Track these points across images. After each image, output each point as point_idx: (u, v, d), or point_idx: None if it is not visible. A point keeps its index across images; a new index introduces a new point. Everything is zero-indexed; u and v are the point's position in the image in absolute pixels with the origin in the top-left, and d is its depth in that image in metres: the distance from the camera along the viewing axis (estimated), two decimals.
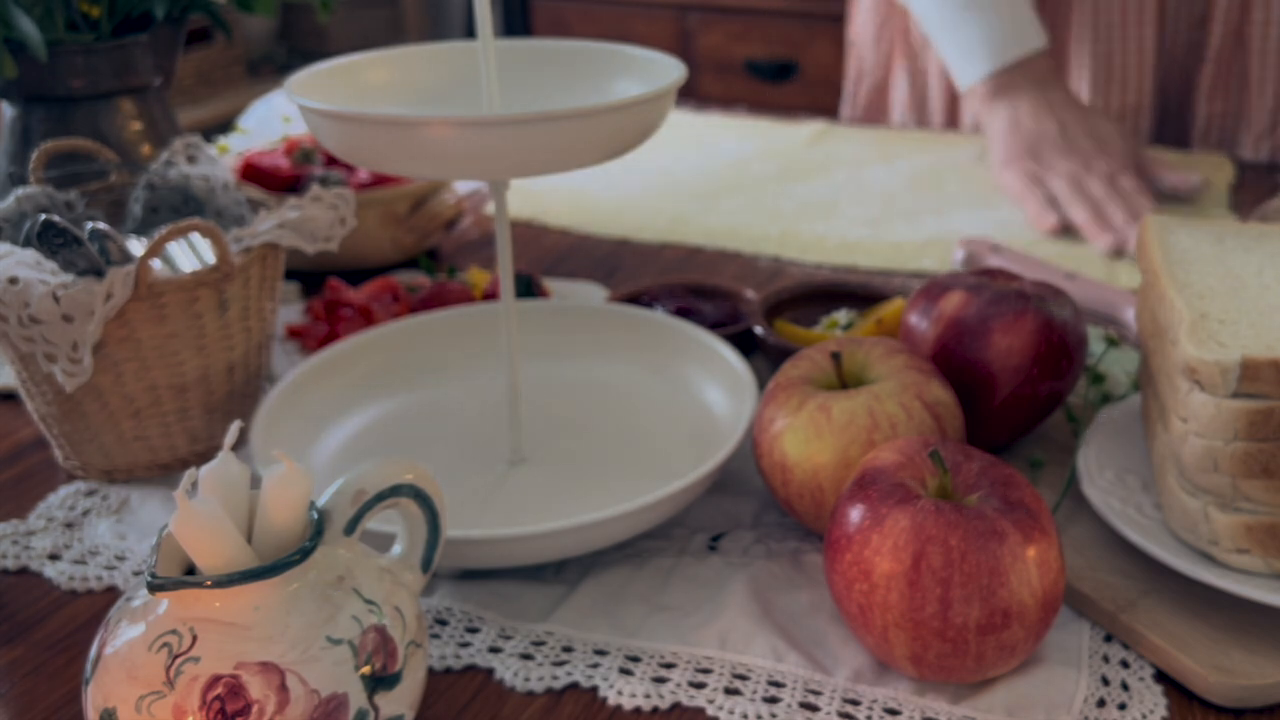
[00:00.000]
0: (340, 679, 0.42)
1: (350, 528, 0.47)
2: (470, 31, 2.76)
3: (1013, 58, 1.09)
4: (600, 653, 0.54)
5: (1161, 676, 0.52)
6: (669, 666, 0.53)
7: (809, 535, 0.61)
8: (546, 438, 0.68)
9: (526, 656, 0.54)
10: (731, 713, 0.50)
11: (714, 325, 0.77)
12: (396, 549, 0.50)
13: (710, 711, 0.50)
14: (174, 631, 0.42)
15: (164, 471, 0.68)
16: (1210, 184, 1.07)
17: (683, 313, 0.78)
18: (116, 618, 0.44)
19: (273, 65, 2.61)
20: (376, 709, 0.43)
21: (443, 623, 0.56)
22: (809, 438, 0.56)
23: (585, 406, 0.72)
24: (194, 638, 0.41)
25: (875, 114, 1.40)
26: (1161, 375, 0.56)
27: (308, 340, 0.82)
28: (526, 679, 0.52)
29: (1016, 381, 0.62)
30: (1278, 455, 0.50)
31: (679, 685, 0.52)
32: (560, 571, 0.59)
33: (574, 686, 0.52)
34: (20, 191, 0.70)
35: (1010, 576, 0.47)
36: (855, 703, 0.50)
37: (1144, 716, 0.49)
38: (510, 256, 0.63)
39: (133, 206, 0.75)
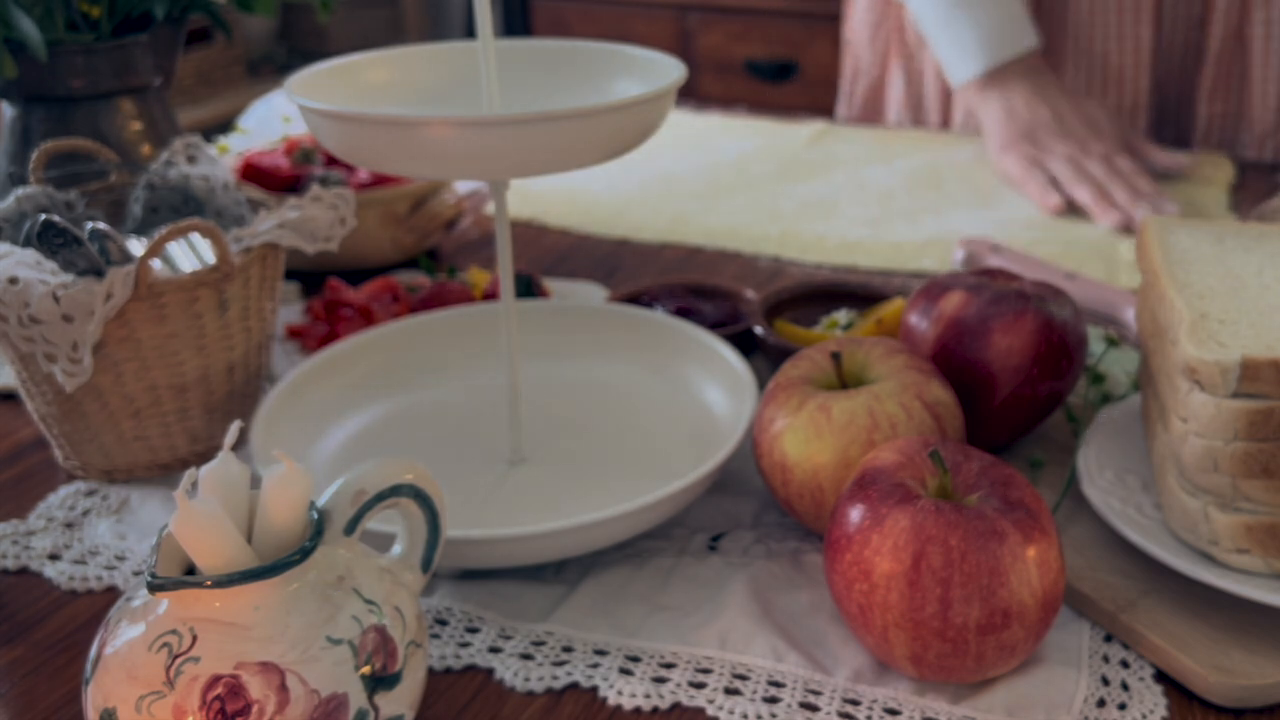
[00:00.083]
0: (340, 679, 0.42)
1: (350, 528, 0.47)
2: (470, 31, 2.76)
3: (1006, 56, 1.11)
4: (600, 653, 0.54)
5: (1161, 676, 0.52)
6: (669, 666, 0.53)
7: (809, 535, 0.61)
8: (546, 438, 0.68)
9: (526, 656, 0.54)
10: (731, 713, 0.50)
11: (714, 325, 0.77)
12: (396, 549, 0.50)
13: (710, 711, 0.50)
14: (174, 631, 0.42)
15: (164, 471, 0.68)
16: (1198, 164, 1.10)
17: (683, 313, 0.78)
18: (116, 618, 0.44)
19: (273, 65, 2.61)
20: (376, 709, 0.43)
21: (443, 623, 0.56)
22: (809, 438, 0.56)
23: (585, 406, 0.72)
24: (194, 638, 0.41)
25: (871, 113, 1.40)
26: (1161, 375, 0.56)
27: (308, 340, 0.82)
28: (526, 679, 0.52)
29: (1016, 381, 0.62)
30: (1278, 455, 0.50)
31: (679, 685, 0.52)
32: (560, 571, 0.59)
33: (574, 686, 0.52)
34: (20, 191, 0.70)
35: (1010, 576, 0.47)
36: (855, 703, 0.50)
37: (1144, 716, 0.49)
38: (510, 256, 0.63)
39: (133, 206, 0.75)
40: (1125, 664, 0.52)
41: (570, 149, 0.55)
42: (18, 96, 0.79)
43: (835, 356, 0.60)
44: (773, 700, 0.51)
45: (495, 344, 0.74)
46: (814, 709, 0.50)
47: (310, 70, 0.63)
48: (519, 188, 1.14)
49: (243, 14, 1.38)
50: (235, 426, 0.44)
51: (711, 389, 0.70)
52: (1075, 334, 0.63)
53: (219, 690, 0.41)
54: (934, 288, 0.65)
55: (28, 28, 0.71)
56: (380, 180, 0.95)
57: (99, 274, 0.61)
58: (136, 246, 0.68)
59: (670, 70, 0.62)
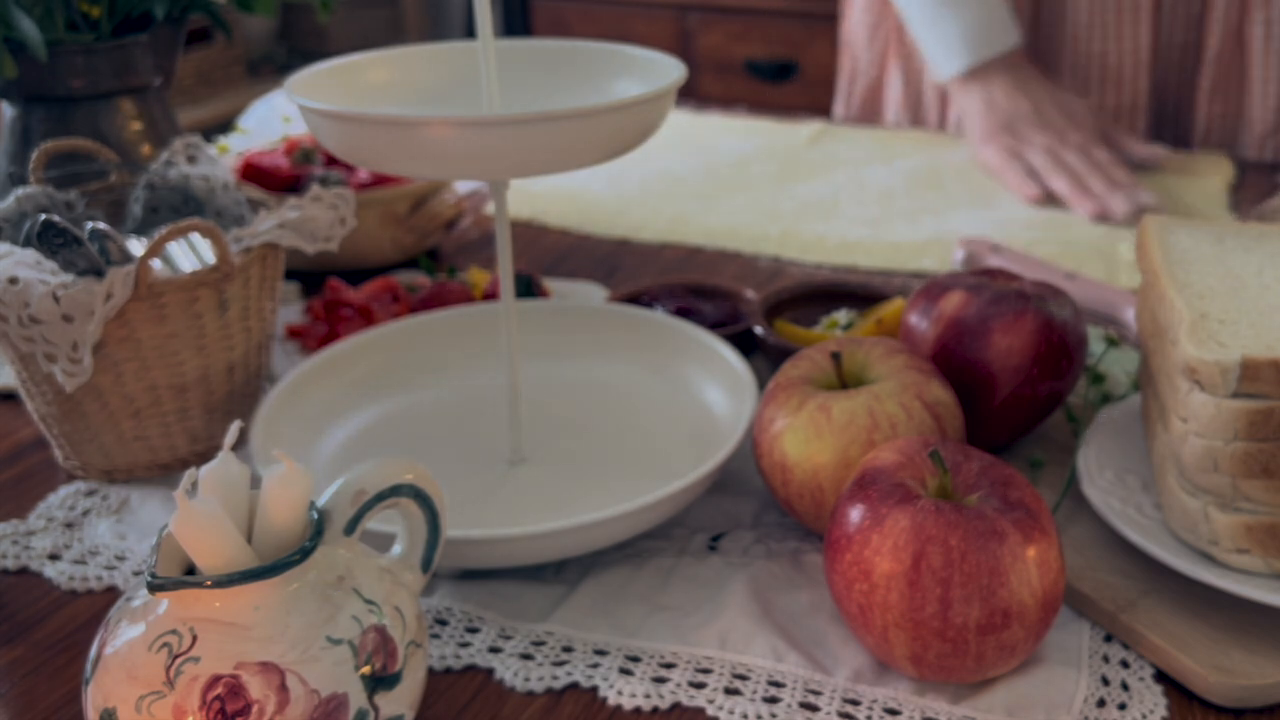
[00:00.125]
0: (340, 679, 0.42)
1: (350, 528, 0.47)
2: (470, 31, 2.76)
3: (988, 54, 1.14)
4: (600, 653, 0.54)
5: (1161, 676, 0.52)
6: (669, 666, 0.53)
7: (809, 535, 0.61)
8: (546, 438, 0.68)
9: (526, 656, 0.54)
10: (731, 713, 0.50)
11: (714, 325, 0.77)
12: (396, 549, 0.50)
13: (710, 711, 0.50)
14: (174, 631, 0.42)
15: (164, 471, 0.68)
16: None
17: (683, 313, 0.78)
18: (116, 618, 0.44)
19: (273, 65, 2.61)
20: (376, 709, 0.43)
21: (443, 623, 0.56)
22: (809, 438, 0.56)
23: (585, 406, 0.72)
24: (194, 638, 0.41)
25: (869, 113, 1.40)
26: (1161, 375, 0.56)
27: (308, 340, 0.82)
28: (526, 679, 0.52)
29: (1016, 381, 0.62)
30: (1278, 455, 0.50)
31: (679, 685, 0.52)
32: (560, 571, 0.59)
33: (574, 686, 0.52)
34: (20, 191, 0.70)
35: (1010, 576, 0.47)
36: (855, 703, 0.50)
37: (1144, 716, 0.49)
38: (510, 256, 0.63)
39: (133, 206, 0.75)
40: (1125, 664, 0.52)
41: (570, 149, 0.55)
42: (18, 96, 0.79)
43: (835, 356, 0.60)
44: (773, 700, 0.51)
45: (495, 344, 0.74)
46: (814, 709, 0.50)
47: (310, 70, 0.63)
48: (519, 188, 1.14)
49: (243, 14, 1.38)
50: (235, 426, 0.44)
51: (711, 389, 0.70)
52: (1075, 334, 0.63)
53: (219, 690, 0.41)
54: (934, 288, 0.65)
55: (28, 28, 0.71)
56: (380, 180, 0.95)
57: (99, 274, 0.61)
58: (136, 246, 0.68)
59: (670, 70, 0.62)
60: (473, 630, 0.55)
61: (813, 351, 0.61)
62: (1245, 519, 0.51)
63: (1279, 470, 0.50)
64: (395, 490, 0.47)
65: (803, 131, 1.29)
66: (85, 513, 0.65)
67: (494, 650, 0.54)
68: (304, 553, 0.43)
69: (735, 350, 0.69)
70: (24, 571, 0.61)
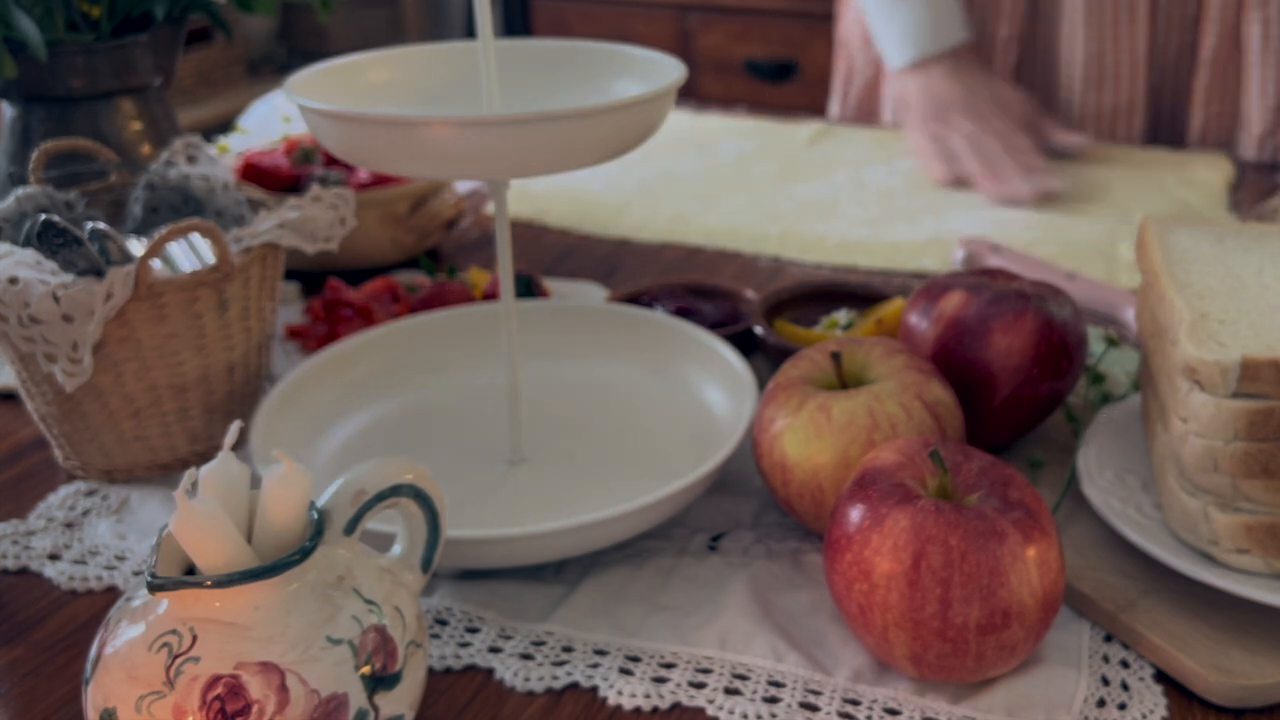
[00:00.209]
0: (340, 679, 0.42)
1: (350, 528, 0.47)
2: (470, 31, 2.76)
3: (934, 48, 1.17)
4: (600, 653, 0.54)
5: (1161, 676, 0.52)
6: (669, 666, 0.53)
7: (809, 535, 0.61)
8: (546, 438, 0.68)
9: (526, 656, 0.54)
10: (731, 713, 0.50)
11: (714, 325, 0.77)
12: (396, 549, 0.50)
13: (710, 711, 0.50)
14: (174, 631, 0.42)
15: (164, 471, 0.68)
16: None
17: (683, 313, 0.78)
18: (116, 618, 0.44)
19: (273, 65, 2.61)
20: (376, 709, 0.43)
21: (443, 623, 0.56)
22: (809, 438, 0.56)
23: (585, 406, 0.72)
24: (194, 638, 0.41)
25: (866, 113, 1.40)
26: (1161, 375, 0.56)
27: (308, 340, 0.82)
28: (526, 679, 0.52)
29: (1016, 381, 0.62)
30: (1278, 455, 0.50)
31: (679, 685, 0.52)
32: (560, 571, 0.59)
33: (574, 686, 0.52)
34: (20, 191, 0.70)
35: (1010, 576, 0.47)
36: (855, 703, 0.50)
37: (1144, 716, 0.49)
38: (510, 256, 0.63)
39: (133, 206, 0.75)
40: (1125, 664, 0.52)
41: (570, 149, 0.55)
42: (18, 96, 0.79)
43: (835, 356, 0.60)
44: (773, 700, 0.51)
45: (495, 344, 0.74)
46: (814, 709, 0.50)
47: (310, 70, 0.63)
48: (519, 188, 1.14)
49: (243, 14, 1.38)
50: (235, 426, 0.44)
51: (711, 389, 0.70)
52: (1075, 334, 0.63)
53: (219, 690, 0.41)
54: (934, 288, 0.65)
55: (28, 28, 0.71)
56: (380, 180, 0.95)
57: (99, 274, 0.61)
58: (136, 246, 0.68)
59: (670, 70, 0.62)
60: (473, 630, 0.55)
61: (813, 351, 0.61)
62: (1245, 519, 0.51)
63: (1279, 470, 0.50)
64: (395, 490, 0.47)
65: (803, 131, 1.29)
66: (85, 513, 0.65)
67: (494, 650, 0.54)
68: (304, 553, 0.43)
69: (735, 350, 0.69)
70: (24, 571, 0.61)
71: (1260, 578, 0.51)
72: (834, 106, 1.44)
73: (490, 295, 0.84)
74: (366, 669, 0.43)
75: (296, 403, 0.68)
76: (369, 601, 0.44)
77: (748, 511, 0.63)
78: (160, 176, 0.74)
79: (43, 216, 0.60)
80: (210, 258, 0.67)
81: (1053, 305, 0.63)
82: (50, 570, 0.61)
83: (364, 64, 0.66)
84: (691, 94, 2.19)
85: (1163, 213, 1.02)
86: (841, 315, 0.75)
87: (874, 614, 0.49)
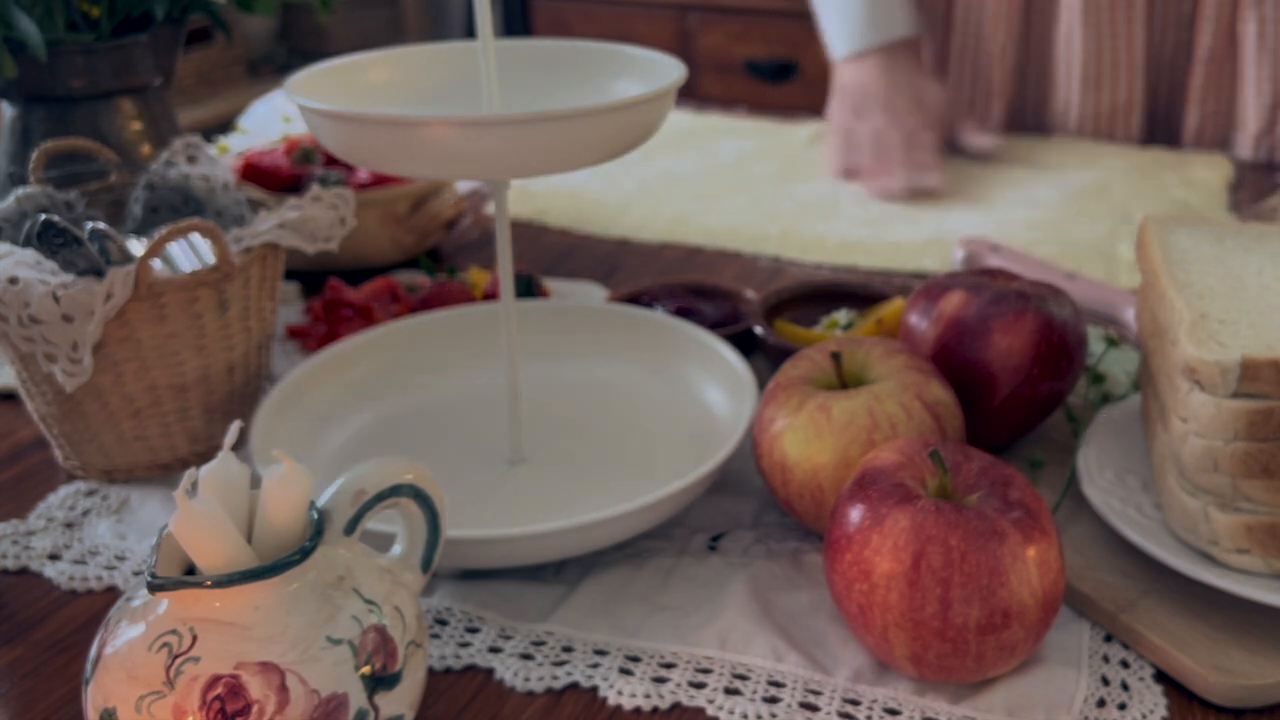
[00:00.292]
0: (340, 679, 0.42)
1: (350, 528, 0.47)
2: (470, 31, 2.76)
3: (874, 42, 1.17)
4: (600, 653, 0.54)
5: (1161, 676, 0.52)
6: (669, 666, 0.53)
7: (809, 535, 0.61)
8: (546, 438, 0.68)
9: (526, 656, 0.54)
10: (731, 713, 0.50)
11: (714, 325, 0.77)
12: (396, 549, 0.50)
13: (710, 711, 0.50)
14: (174, 631, 0.42)
15: (164, 471, 0.68)
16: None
17: (683, 313, 0.78)
18: (116, 618, 0.44)
19: (273, 65, 2.61)
20: (376, 709, 0.43)
21: (443, 623, 0.56)
22: (809, 438, 0.56)
23: (585, 406, 0.72)
24: (194, 638, 0.41)
25: None
26: (1161, 375, 0.56)
27: (308, 340, 0.82)
28: (526, 679, 0.52)
29: (1016, 381, 0.62)
30: (1278, 455, 0.50)
31: (679, 685, 0.52)
32: (560, 571, 0.59)
33: (574, 686, 0.52)
34: (20, 191, 0.70)
35: (1010, 576, 0.47)
36: (855, 703, 0.50)
37: (1144, 716, 0.49)
38: (510, 256, 0.63)
39: (133, 206, 0.75)
40: (1125, 664, 0.52)
41: (570, 149, 0.55)
42: (18, 96, 0.79)
43: (835, 356, 0.60)
44: (773, 700, 0.51)
45: (495, 344, 0.74)
46: (814, 709, 0.50)
47: (310, 70, 0.63)
48: (519, 188, 1.14)
49: (243, 14, 1.38)
50: (235, 426, 0.44)
51: (711, 389, 0.70)
52: (1075, 334, 0.63)
53: (219, 690, 0.41)
54: (934, 288, 0.65)
55: (28, 28, 0.71)
56: (380, 180, 0.95)
57: (99, 274, 0.61)
58: (136, 246, 0.68)
59: (670, 70, 0.62)
60: (473, 630, 0.55)
61: (813, 351, 0.61)
62: (1245, 519, 0.51)
63: (1279, 470, 0.50)
64: (395, 490, 0.47)
65: (802, 131, 1.29)
66: (85, 513, 0.65)
67: (494, 650, 0.54)
68: (304, 553, 0.43)
69: (735, 350, 0.69)
70: (24, 571, 0.61)
71: (1260, 578, 0.51)
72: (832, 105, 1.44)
73: (490, 295, 0.84)
74: (366, 669, 0.43)
75: (296, 403, 0.68)
76: (369, 601, 0.44)
77: (748, 511, 0.63)
78: (160, 176, 0.74)
79: (43, 216, 0.60)
80: (210, 258, 0.67)
81: (1053, 305, 0.63)
82: (50, 570, 0.61)
83: (364, 64, 0.66)
84: (691, 94, 2.19)
85: (1163, 213, 1.02)
86: (841, 315, 0.75)
87: (874, 614, 0.49)
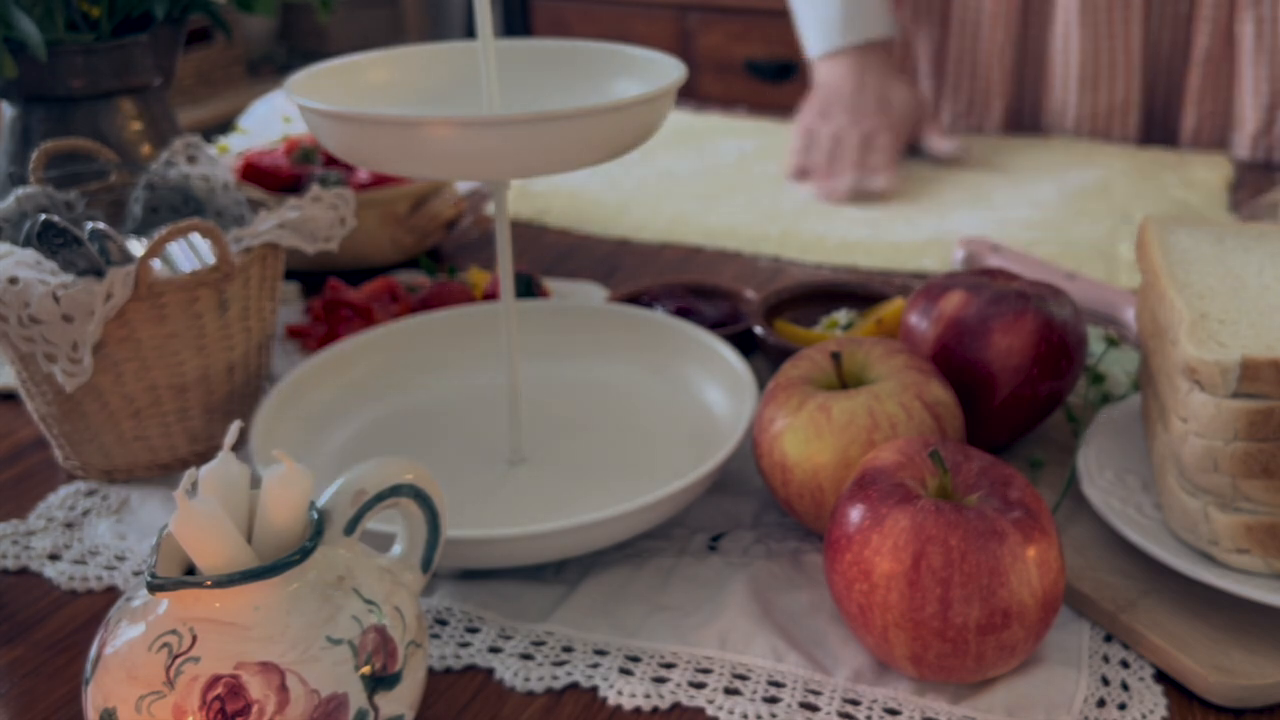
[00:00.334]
0: (340, 679, 0.42)
1: (350, 528, 0.47)
2: (470, 31, 2.76)
3: (854, 41, 1.17)
4: (600, 653, 0.54)
5: (1161, 676, 0.52)
6: (669, 666, 0.53)
7: (809, 535, 0.61)
8: (546, 438, 0.68)
9: (526, 656, 0.54)
10: (731, 713, 0.50)
11: (714, 325, 0.77)
12: (396, 549, 0.50)
13: (710, 711, 0.50)
14: (174, 631, 0.42)
15: (164, 471, 0.68)
16: (970, 149, 1.16)
17: (683, 313, 0.78)
18: (116, 618, 0.44)
19: (273, 65, 2.61)
20: (376, 709, 0.43)
21: (443, 623, 0.56)
22: (809, 438, 0.56)
23: (585, 406, 0.72)
24: (194, 638, 0.41)
25: None
26: (1161, 375, 0.56)
27: (308, 340, 0.82)
28: (526, 679, 0.52)
29: (1016, 381, 0.62)
30: (1278, 455, 0.50)
31: (679, 685, 0.52)
32: (560, 571, 0.59)
33: (574, 686, 0.52)
34: (20, 191, 0.70)
35: (1010, 576, 0.47)
36: (855, 703, 0.50)
37: (1144, 716, 0.49)
38: (510, 256, 0.63)
39: (133, 206, 0.75)
40: (1125, 664, 0.52)
41: (570, 149, 0.55)
42: (18, 96, 0.79)
43: (835, 356, 0.60)
44: (773, 700, 0.51)
45: (495, 344, 0.74)
46: (814, 709, 0.50)
47: (310, 70, 0.63)
48: (519, 188, 1.14)
49: (243, 14, 1.38)
50: (235, 426, 0.44)
51: (711, 389, 0.70)
52: (1075, 334, 0.63)
53: (219, 690, 0.41)
54: (934, 288, 0.65)
55: (28, 28, 0.71)
56: (380, 180, 0.95)
57: (99, 274, 0.61)
58: (136, 246, 0.68)
59: (670, 70, 0.62)
60: (473, 630, 0.55)
61: (813, 351, 0.61)
62: (1245, 519, 0.51)
63: (1279, 470, 0.50)
64: (395, 490, 0.47)
65: None
66: (85, 513, 0.65)
67: (494, 650, 0.54)
68: (304, 553, 0.43)
69: (735, 350, 0.69)
70: (24, 571, 0.61)
71: (1260, 578, 0.51)
72: None
73: (490, 295, 0.84)
74: (366, 669, 0.43)
75: (296, 403, 0.68)
76: (369, 601, 0.44)
77: (748, 511, 0.63)
78: (160, 176, 0.74)
79: (43, 216, 0.60)
80: (210, 258, 0.67)
81: (1053, 305, 0.63)
82: (50, 570, 0.61)
83: (364, 64, 0.66)
84: (691, 94, 2.19)
85: (1163, 213, 1.02)
86: (841, 315, 0.75)
87: (874, 614, 0.49)
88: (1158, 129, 1.24)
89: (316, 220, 0.68)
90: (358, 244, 0.91)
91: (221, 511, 0.42)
